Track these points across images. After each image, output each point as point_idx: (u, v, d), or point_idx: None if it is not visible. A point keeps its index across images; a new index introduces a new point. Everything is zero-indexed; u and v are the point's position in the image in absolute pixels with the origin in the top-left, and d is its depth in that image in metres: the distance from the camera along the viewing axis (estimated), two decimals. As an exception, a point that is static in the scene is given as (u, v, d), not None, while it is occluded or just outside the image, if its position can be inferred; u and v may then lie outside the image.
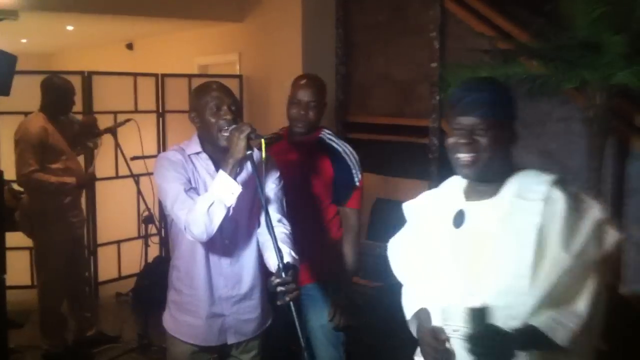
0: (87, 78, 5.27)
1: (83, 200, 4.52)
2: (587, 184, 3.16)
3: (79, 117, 4.51)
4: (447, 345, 1.69)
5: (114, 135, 4.29)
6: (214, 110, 2.23)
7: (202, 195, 2.17)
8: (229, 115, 2.21)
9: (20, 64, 3.66)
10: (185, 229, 2.17)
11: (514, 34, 3.97)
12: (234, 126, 2.17)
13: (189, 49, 6.97)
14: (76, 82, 4.64)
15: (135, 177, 4.40)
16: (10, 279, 3.52)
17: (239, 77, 6.04)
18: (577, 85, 3.13)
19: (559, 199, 1.60)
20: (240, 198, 2.15)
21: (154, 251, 4.81)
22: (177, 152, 2.32)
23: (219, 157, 2.23)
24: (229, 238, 2.31)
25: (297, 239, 2.32)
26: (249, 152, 2.11)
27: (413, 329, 1.86)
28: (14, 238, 4.71)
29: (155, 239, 4.72)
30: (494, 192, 1.69)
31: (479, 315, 1.58)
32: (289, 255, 2.12)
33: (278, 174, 2.41)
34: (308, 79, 2.79)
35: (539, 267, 1.58)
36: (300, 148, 2.78)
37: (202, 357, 2.42)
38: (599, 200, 1.65)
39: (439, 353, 1.69)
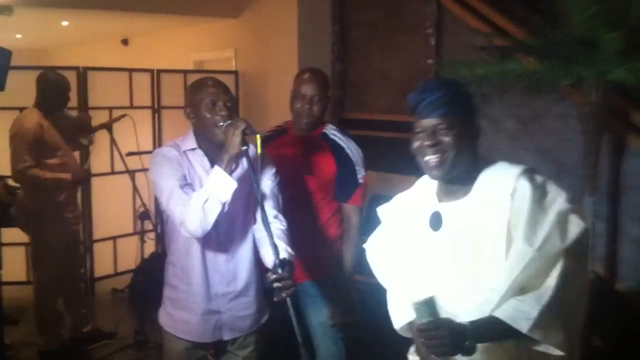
0: (82, 74, 5.25)
1: (79, 196, 4.51)
2: (583, 181, 3.18)
3: (74, 113, 4.49)
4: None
5: (110, 131, 4.27)
6: (210, 106, 2.23)
7: (197, 191, 2.17)
8: (225, 111, 2.21)
9: (15, 60, 3.63)
10: (180, 225, 2.17)
11: (510, 31, 3.96)
12: (229, 122, 2.16)
13: (185, 45, 6.95)
14: (71, 77, 4.63)
15: (131, 173, 4.40)
16: (6, 275, 3.51)
17: (235, 73, 6.02)
18: (573, 82, 3.13)
19: (525, 192, 1.61)
20: (236, 194, 2.15)
21: (150, 247, 4.80)
22: (173, 148, 2.32)
23: (215, 153, 2.23)
24: (225, 234, 2.31)
25: (298, 235, 2.31)
26: (244, 148, 2.11)
27: (409, 333, 1.86)
28: (9, 234, 4.72)
29: (152, 235, 4.70)
30: (465, 192, 1.71)
31: (423, 308, 1.59)
32: (285, 252, 2.13)
33: (274, 170, 2.40)
34: (311, 73, 2.74)
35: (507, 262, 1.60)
36: (302, 143, 2.74)
37: (198, 353, 2.42)
38: (566, 190, 1.65)
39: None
